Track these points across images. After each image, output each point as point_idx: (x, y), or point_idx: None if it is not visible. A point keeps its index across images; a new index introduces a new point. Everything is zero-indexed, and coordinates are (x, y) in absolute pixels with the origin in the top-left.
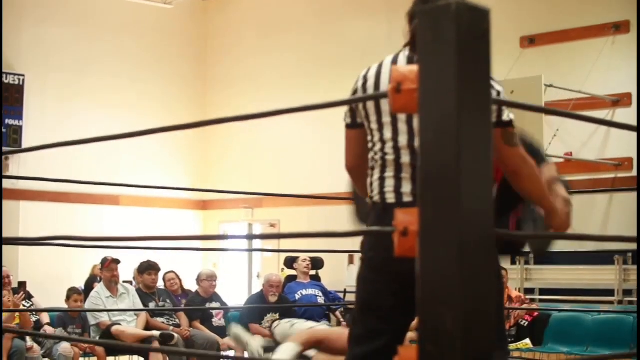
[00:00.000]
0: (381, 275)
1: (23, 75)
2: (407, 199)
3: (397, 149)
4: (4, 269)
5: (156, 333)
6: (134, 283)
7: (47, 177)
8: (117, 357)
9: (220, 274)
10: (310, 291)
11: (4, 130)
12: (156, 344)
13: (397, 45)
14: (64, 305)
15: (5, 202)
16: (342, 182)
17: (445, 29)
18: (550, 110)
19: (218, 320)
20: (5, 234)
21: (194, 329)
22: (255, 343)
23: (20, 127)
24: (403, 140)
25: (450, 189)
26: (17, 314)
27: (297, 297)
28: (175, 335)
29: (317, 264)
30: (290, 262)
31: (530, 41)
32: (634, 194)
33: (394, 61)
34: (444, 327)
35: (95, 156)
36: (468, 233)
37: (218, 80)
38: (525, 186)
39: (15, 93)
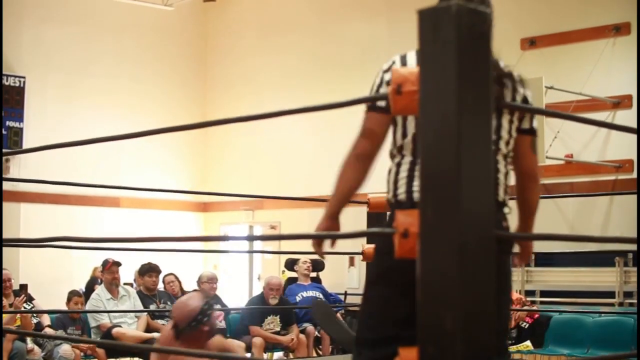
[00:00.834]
0: (399, 279)
1: (24, 77)
2: None
3: None
4: (5, 272)
5: (157, 335)
6: (134, 285)
7: (47, 179)
8: (117, 359)
9: (221, 275)
10: (310, 293)
11: (4, 132)
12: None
13: (398, 46)
14: (65, 308)
15: (5, 204)
16: None
17: (445, 31)
18: (551, 112)
19: (219, 323)
20: (5, 236)
21: None
22: None
23: (21, 129)
24: None
25: (451, 191)
26: (18, 316)
27: (297, 299)
28: None
29: (317, 266)
30: (290, 264)
31: (531, 43)
32: (635, 196)
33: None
34: (444, 328)
35: (96, 158)
36: (468, 234)
37: (218, 81)
38: (537, 195)
39: (16, 95)
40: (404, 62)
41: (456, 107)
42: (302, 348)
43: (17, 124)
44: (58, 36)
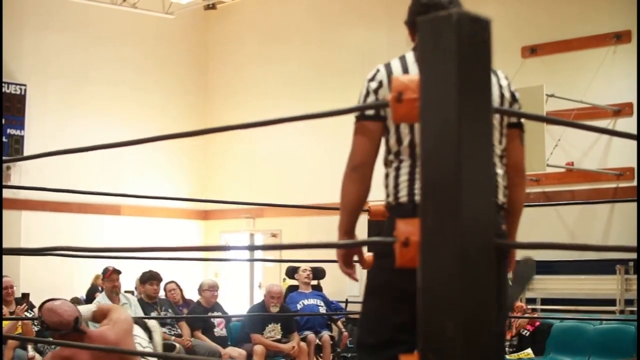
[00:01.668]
0: (399, 284)
1: (25, 85)
2: None
3: None
4: (6, 279)
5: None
6: (135, 293)
7: (48, 187)
8: None
9: (222, 283)
10: (311, 301)
11: (5, 140)
12: None
13: (398, 52)
14: None
15: (6, 212)
16: None
17: (446, 39)
18: (551, 119)
19: (220, 330)
20: (6, 244)
21: (195, 339)
22: None
23: (22, 137)
24: None
25: (451, 198)
26: (20, 324)
27: (298, 307)
28: (177, 345)
29: (318, 274)
30: (291, 272)
31: (532, 51)
32: (635, 203)
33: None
34: (445, 335)
35: (97, 165)
36: (469, 242)
37: (219, 89)
38: (524, 193)
39: (17, 103)
40: (388, 70)
41: (457, 114)
42: (303, 356)
43: (18, 132)
44: (59, 44)
